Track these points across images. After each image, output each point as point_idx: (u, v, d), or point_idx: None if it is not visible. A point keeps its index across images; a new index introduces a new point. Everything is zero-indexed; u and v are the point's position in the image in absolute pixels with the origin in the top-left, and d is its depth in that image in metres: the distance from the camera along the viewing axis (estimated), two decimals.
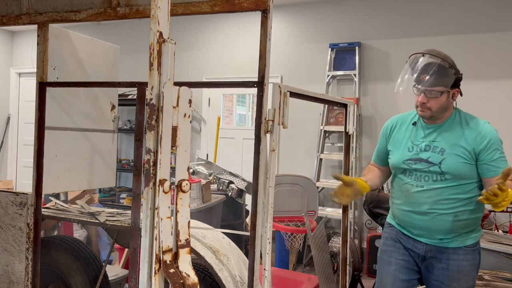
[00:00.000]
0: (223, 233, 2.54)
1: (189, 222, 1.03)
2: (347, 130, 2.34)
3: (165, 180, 0.99)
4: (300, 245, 3.62)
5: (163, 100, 0.98)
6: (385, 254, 2.17)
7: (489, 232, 3.62)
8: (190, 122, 1.03)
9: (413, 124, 2.11)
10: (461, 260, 2.00)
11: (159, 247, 0.99)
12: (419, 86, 1.95)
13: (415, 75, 1.97)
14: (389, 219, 2.25)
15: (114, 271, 3.18)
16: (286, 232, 3.56)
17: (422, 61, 1.97)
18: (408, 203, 2.06)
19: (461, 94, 2.04)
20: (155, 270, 0.99)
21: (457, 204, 1.97)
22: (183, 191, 1.01)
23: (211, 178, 4.06)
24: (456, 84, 1.98)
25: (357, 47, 5.02)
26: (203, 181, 3.81)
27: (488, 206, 1.90)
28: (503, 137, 2.03)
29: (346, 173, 2.38)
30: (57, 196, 3.42)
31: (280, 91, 1.57)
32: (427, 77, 1.92)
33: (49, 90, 2.18)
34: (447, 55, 1.99)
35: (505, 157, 1.97)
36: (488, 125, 1.99)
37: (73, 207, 2.62)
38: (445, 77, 1.93)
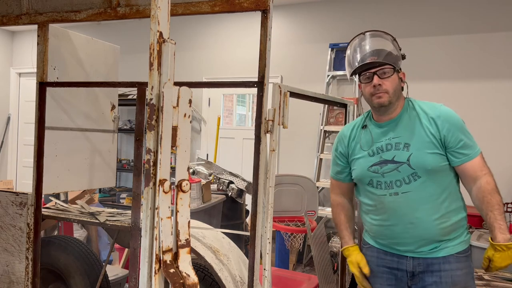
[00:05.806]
0: (223, 233, 2.53)
1: (189, 222, 1.03)
2: None
3: (165, 180, 0.99)
4: (300, 245, 3.62)
5: (163, 100, 0.98)
6: (371, 280, 1.92)
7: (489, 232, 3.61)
8: (190, 122, 1.03)
9: (362, 128, 1.91)
10: (454, 269, 1.76)
11: (159, 247, 0.99)
12: (371, 70, 1.78)
13: (360, 61, 1.80)
14: (366, 237, 1.98)
15: (114, 271, 3.18)
16: (286, 232, 3.55)
17: (367, 42, 1.84)
18: (386, 216, 1.82)
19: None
20: (155, 270, 0.99)
21: (438, 205, 1.76)
22: (183, 191, 1.01)
23: (211, 178, 4.06)
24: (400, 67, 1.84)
25: None
26: (203, 181, 3.81)
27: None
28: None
29: None
30: (57, 196, 3.42)
31: (280, 91, 1.57)
32: (377, 58, 1.77)
33: (49, 90, 2.18)
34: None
35: (471, 138, 1.77)
36: (444, 107, 1.80)
37: (73, 207, 2.61)
38: (392, 54, 1.81)
